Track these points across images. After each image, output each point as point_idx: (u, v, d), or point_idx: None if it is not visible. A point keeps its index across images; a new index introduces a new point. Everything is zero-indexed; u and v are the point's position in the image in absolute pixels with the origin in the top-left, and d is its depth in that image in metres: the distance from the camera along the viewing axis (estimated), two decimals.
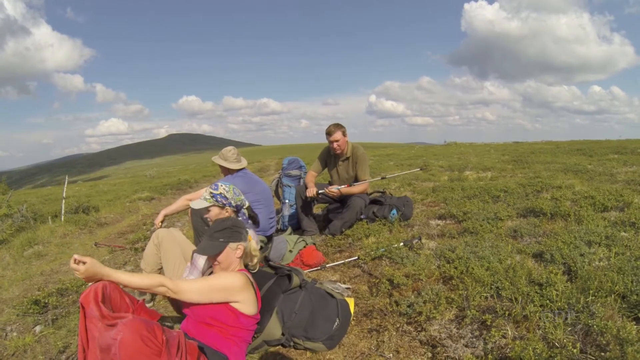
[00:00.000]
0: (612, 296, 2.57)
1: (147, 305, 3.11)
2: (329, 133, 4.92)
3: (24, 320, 3.50)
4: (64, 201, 8.48)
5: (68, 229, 7.15)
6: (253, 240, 2.64)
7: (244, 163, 4.14)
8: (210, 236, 2.43)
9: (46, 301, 3.66)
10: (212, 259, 2.44)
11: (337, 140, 4.90)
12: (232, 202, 3.09)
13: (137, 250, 5.34)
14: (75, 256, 2.04)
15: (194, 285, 2.26)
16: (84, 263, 2.03)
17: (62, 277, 4.60)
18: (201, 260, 2.84)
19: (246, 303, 2.34)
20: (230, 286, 2.30)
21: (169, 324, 2.85)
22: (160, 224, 3.74)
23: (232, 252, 2.43)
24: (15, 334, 3.27)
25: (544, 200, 5.18)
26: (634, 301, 2.50)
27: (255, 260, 2.66)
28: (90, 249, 5.84)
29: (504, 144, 20.08)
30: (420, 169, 5.68)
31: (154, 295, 3.59)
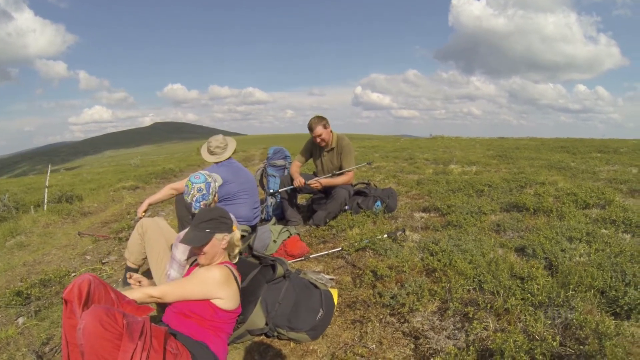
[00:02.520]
0: (592, 291, 2.61)
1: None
2: (310, 129, 4.91)
3: (6, 312, 3.42)
4: (46, 190, 8.32)
5: (51, 218, 7.01)
6: (237, 230, 2.62)
7: (230, 149, 4.07)
8: (196, 226, 2.40)
9: (29, 292, 3.58)
10: (197, 250, 2.41)
11: (319, 135, 4.89)
12: (210, 197, 3.07)
13: (121, 240, 5.27)
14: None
15: (176, 291, 2.31)
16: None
17: (45, 267, 4.51)
18: (179, 253, 2.81)
19: (227, 299, 2.33)
20: (211, 286, 2.30)
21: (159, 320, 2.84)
22: (143, 213, 3.68)
23: (218, 242, 2.41)
24: None
25: (527, 196, 5.24)
26: (612, 296, 2.55)
27: (237, 250, 2.64)
28: (74, 238, 5.75)
29: (489, 139, 20.26)
30: (368, 164, 5.72)
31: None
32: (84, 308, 1.90)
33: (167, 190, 3.88)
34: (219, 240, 2.41)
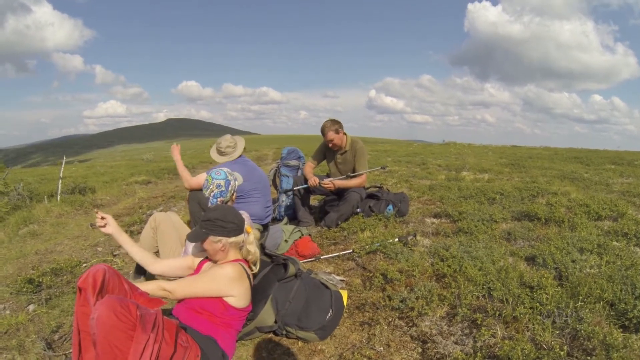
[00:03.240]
0: (601, 303, 2.62)
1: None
2: (323, 133, 4.96)
3: (17, 298, 3.48)
4: (60, 181, 8.43)
5: (64, 209, 7.11)
6: (251, 235, 2.61)
7: (240, 148, 4.11)
8: (200, 224, 2.47)
9: (40, 280, 3.63)
10: (201, 245, 2.53)
11: (331, 140, 4.95)
12: (228, 194, 3.13)
13: (133, 233, 5.33)
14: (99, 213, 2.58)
15: (186, 288, 2.37)
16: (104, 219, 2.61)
17: (56, 256, 4.59)
18: (191, 247, 2.87)
19: (239, 297, 2.37)
20: (222, 284, 2.34)
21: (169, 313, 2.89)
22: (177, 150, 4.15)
23: (214, 243, 2.45)
24: (8, 312, 3.25)
25: (539, 205, 5.22)
26: (621, 309, 2.55)
27: (252, 251, 2.62)
28: (86, 229, 5.83)
29: (502, 146, 20.13)
30: (382, 168, 5.73)
31: (148, 280, 3.62)
32: (97, 297, 1.93)
33: (189, 176, 4.00)
34: (214, 242, 2.45)
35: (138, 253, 2.69)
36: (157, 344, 1.83)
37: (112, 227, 2.68)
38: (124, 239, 2.68)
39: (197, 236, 2.45)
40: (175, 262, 2.70)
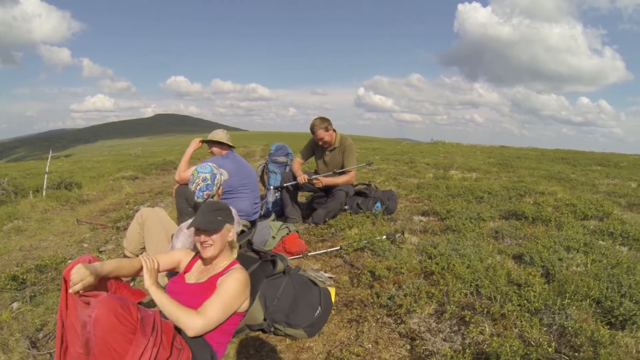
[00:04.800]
0: (587, 300, 2.63)
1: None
2: (312, 132, 4.95)
3: (0, 296, 3.40)
4: (46, 176, 8.29)
5: (49, 204, 6.99)
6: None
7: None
8: (209, 212, 2.34)
9: (24, 277, 3.55)
10: (207, 238, 2.31)
11: (321, 139, 4.93)
12: (215, 188, 3.10)
13: (119, 229, 5.26)
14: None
15: (221, 313, 2.18)
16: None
17: (41, 253, 4.50)
18: (179, 244, 2.82)
19: (247, 300, 2.34)
20: (244, 290, 2.29)
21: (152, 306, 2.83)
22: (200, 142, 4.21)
23: (227, 233, 2.37)
24: None
25: (526, 205, 5.26)
26: (607, 307, 2.57)
27: (236, 247, 2.59)
28: (72, 225, 5.75)
29: (491, 146, 20.26)
30: (368, 164, 5.74)
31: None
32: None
33: (184, 171, 3.95)
34: (228, 231, 2.38)
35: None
36: (156, 347, 1.80)
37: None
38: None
39: (215, 224, 2.31)
40: (161, 257, 2.49)
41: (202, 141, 4.26)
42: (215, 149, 4.14)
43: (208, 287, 2.31)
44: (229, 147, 4.15)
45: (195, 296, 2.27)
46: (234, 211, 2.58)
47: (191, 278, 2.44)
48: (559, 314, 2.45)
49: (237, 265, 2.42)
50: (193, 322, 2.07)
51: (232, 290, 2.22)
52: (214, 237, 2.31)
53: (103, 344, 1.68)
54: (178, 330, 2.11)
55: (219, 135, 4.09)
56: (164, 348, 1.86)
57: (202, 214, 2.36)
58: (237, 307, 2.26)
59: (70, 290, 1.87)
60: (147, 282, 2.18)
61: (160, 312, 2.15)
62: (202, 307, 2.15)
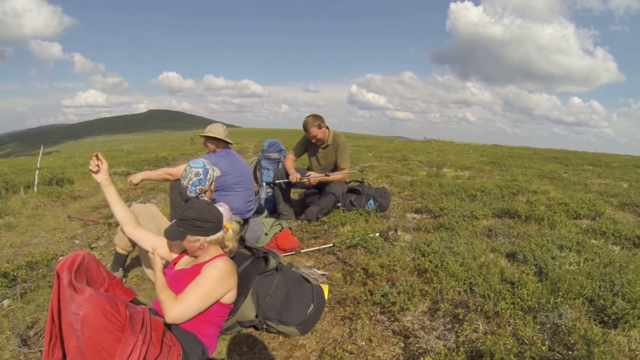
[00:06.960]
0: (580, 299, 2.64)
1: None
2: (305, 129, 4.92)
3: None
4: (37, 172, 8.19)
5: (40, 200, 6.88)
6: (230, 229, 2.54)
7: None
8: (177, 221, 2.36)
9: (15, 274, 3.48)
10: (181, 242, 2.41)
11: (315, 136, 4.90)
12: (207, 183, 3.07)
13: (111, 226, 5.20)
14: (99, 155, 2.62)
15: (201, 301, 2.19)
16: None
17: (32, 249, 4.42)
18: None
19: (231, 292, 2.32)
20: (229, 279, 2.28)
21: (143, 304, 2.80)
22: (136, 184, 3.65)
23: (192, 242, 2.34)
24: None
25: (519, 203, 5.28)
26: (600, 305, 2.58)
27: (230, 246, 2.55)
28: (63, 222, 5.67)
29: (483, 145, 20.35)
30: (360, 171, 5.74)
31: (126, 273, 3.54)
32: (74, 275, 1.87)
33: (162, 173, 3.86)
34: (192, 242, 2.34)
35: (121, 211, 2.59)
36: (145, 345, 1.77)
37: (102, 176, 2.60)
38: (111, 192, 2.58)
39: (175, 235, 2.33)
40: (155, 239, 2.56)
41: (200, 135, 4.21)
42: (210, 145, 4.10)
43: (192, 273, 2.32)
44: (226, 143, 4.10)
45: (178, 281, 2.29)
46: (226, 208, 2.56)
47: (180, 267, 2.46)
48: (553, 313, 2.45)
49: (224, 257, 2.40)
50: (170, 308, 2.10)
51: (212, 278, 2.22)
52: (183, 243, 2.38)
53: (91, 342, 1.66)
54: (168, 326, 2.08)
55: (215, 130, 4.04)
56: (154, 345, 1.83)
57: (176, 221, 2.39)
58: (219, 296, 2.25)
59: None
60: (157, 267, 2.33)
61: (150, 309, 2.13)
62: (182, 293, 2.17)
